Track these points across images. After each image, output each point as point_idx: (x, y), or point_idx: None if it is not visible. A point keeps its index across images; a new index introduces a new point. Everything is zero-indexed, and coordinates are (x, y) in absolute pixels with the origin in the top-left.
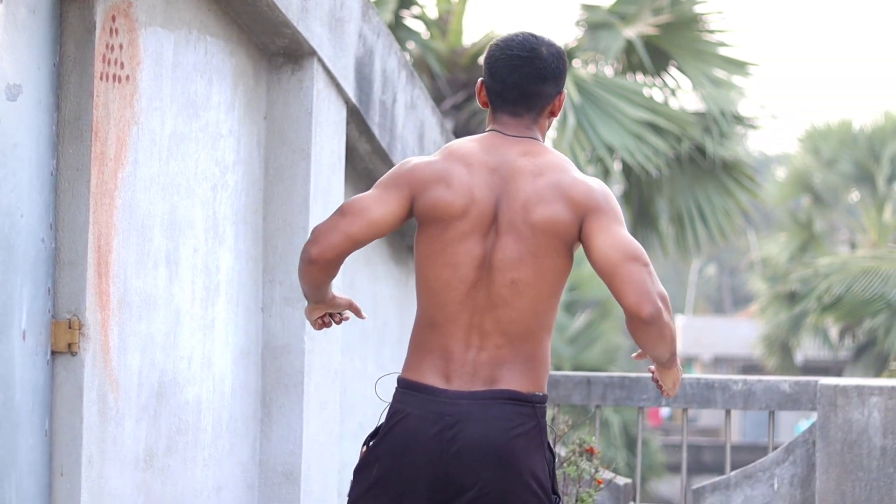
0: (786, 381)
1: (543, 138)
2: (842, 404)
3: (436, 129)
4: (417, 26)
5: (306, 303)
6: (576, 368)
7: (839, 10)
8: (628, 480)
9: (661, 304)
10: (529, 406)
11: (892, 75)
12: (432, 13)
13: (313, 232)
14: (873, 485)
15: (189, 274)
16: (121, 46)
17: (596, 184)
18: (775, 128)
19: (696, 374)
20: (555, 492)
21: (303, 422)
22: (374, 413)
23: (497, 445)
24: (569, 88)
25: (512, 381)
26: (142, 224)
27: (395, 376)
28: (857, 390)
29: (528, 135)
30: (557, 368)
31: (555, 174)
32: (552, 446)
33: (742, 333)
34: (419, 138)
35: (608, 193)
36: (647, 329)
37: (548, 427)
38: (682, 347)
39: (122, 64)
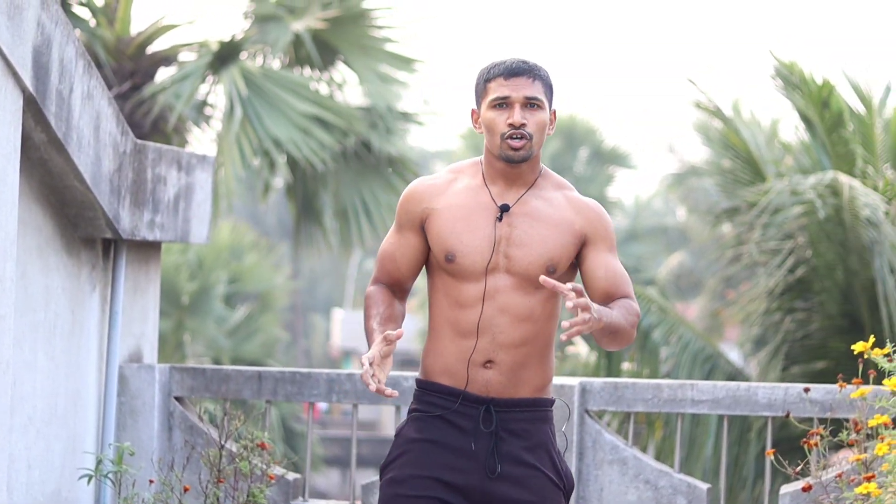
0: None
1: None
2: None
3: (112, 121)
4: (85, 14)
5: None
6: (235, 361)
7: (504, 10)
8: (297, 475)
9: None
10: None
11: (559, 75)
12: (99, 1)
13: None
14: None
15: None
16: None
17: None
18: (437, 124)
19: (354, 368)
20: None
21: None
22: (44, 406)
23: None
24: (236, 81)
25: None
26: None
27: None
28: None
29: None
30: (217, 361)
31: None
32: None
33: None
34: (95, 129)
35: None
36: None
37: (410, 413)
38: (341, 341)
39: None
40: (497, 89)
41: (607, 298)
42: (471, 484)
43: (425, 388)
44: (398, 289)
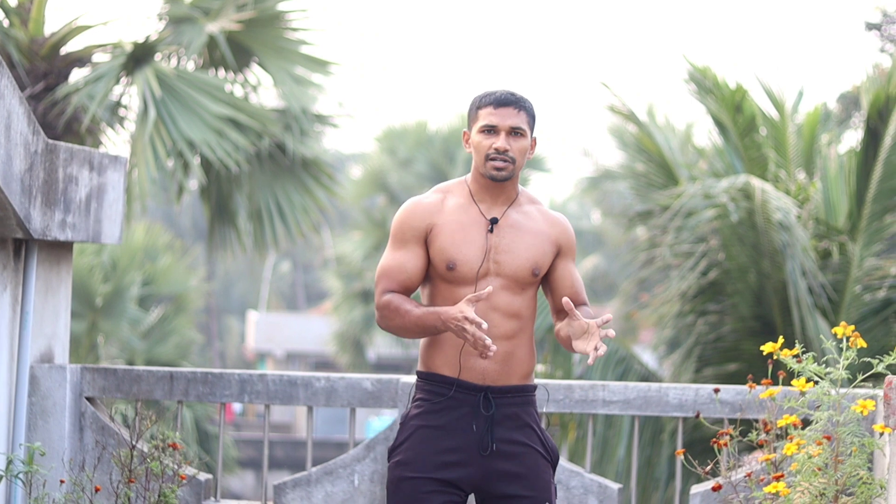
0: (367, 378)
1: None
2: None
3: (23, 120)
4: None
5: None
6: (149, 363)
7: (418, 12)
8: (209, 476)
9: (377, 312)
10: None
11: (466, 80)
12: (12, 1)
13: None
14: None
15: None
16: None
17: None
18: (352, 127)
19: (269, 370)
20: (391, 450)
21: None
22: None
23: None
24: (150, 82)
25: None
26: None
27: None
28: None
29: None
30: (130, 363)
31: None
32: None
33: (315, 330)
34: (6, 129)
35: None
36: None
37: (413, 402)
38: (255, 343)
39: None
40: (487, 117)
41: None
42: (469, 462)
43: (428, 379)
44: (407, 295)
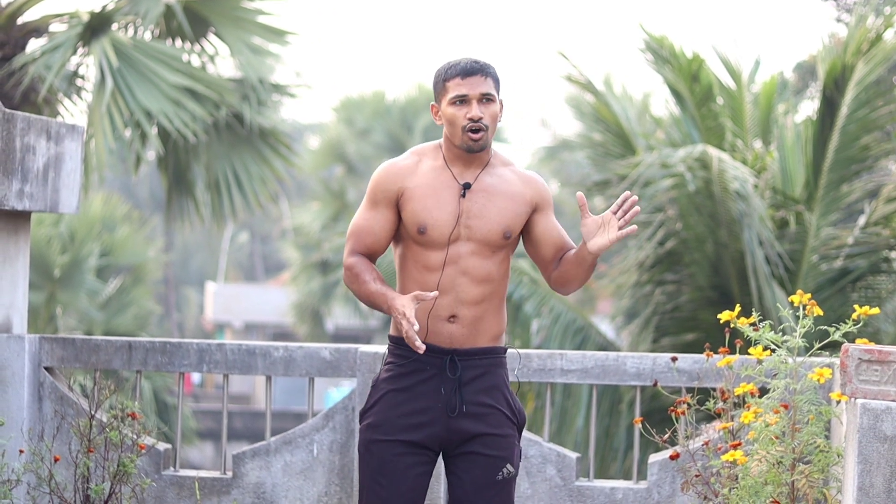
0: (326, 347)
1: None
2: None
3: None
4: None
5: None
6: (107, 333)
7: None
8: (168, 446)
9: (343, 269)
10: None
11: (424, 49)
12: None
13: None
14: None
15: None
16: None
17: None
18: (310, 97)
19: (227, 339)
20: (362, 413)
21: None
22: None
23: None
24: (107, 52)
25: None
26: None
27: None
28: None
29: None
30: (89, 334)
31: None
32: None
33: (273, 301)
34: None
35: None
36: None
37: (384, 365)
38: (213, 314)
39: None
40: (456, 88)
41: (560, 251)
42: (435, 423)
43: (397, 343)
44: (373, 259)
